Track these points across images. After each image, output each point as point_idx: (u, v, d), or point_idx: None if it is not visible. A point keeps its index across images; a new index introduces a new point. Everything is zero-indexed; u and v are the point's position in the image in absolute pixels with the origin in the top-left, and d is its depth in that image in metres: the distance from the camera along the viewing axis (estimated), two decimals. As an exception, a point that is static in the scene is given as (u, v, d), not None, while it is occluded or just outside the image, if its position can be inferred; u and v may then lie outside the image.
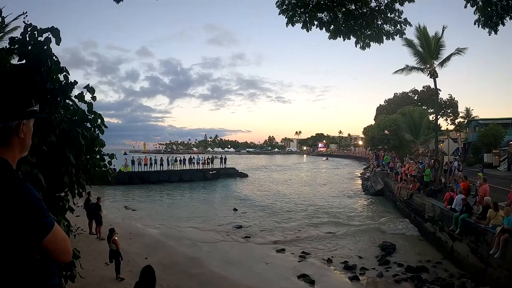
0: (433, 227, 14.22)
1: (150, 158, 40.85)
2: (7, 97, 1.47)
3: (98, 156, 4.07)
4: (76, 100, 3.76)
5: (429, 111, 48.05)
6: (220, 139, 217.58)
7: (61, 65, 3.52)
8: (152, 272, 5.26)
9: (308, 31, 6.46)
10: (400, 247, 13.70)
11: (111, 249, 9.31)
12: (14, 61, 3.55)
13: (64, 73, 3.55)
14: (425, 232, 14.91)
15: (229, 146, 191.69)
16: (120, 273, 9.27)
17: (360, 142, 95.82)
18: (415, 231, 15.67)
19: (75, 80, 3.63)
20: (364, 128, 45.73)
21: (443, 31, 22.28)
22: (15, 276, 1.33)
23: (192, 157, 44.99)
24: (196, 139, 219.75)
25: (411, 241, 14.63)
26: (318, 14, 6.40)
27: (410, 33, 22.28)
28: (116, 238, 9.48)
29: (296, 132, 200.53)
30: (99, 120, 3.92)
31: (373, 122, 50.27)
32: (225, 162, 45.47)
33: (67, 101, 3.65)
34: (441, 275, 10.75)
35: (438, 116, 30.95)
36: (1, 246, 1.29)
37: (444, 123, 56.52)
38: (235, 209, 21.83)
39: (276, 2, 6.49)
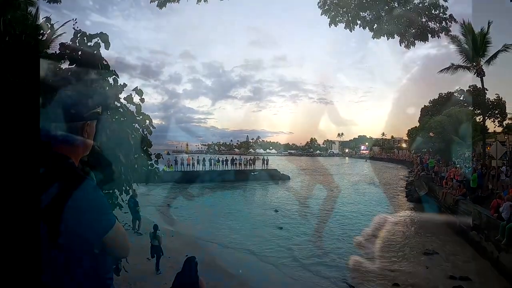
0: (478, 236, 13.34)
1: (193, 158, 41.77)
2: (73, 99, 1.54)
3: (145, 156, 4.20)
4: (125, 102, 3.89)
5: (475, 112, 45.26)
6: (262, 140, 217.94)
7: (111, 69, 3.66)
8: (194, 263, 5.32)
9: (351, 31, 6.30)
10: (443, 254, 13.08)
11: (153, 244, 9.65)
12: (64, 65, 3.74)
13: (114, 76, 3.69)
14: (471, 241, 13.97)
15: (270, 147, 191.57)
16: (159, 267, 9.61)
17: (404, 145, 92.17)
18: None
19: (124, 83, 3.77)
20: (409, 131, 43.90)
21: (488, 26, 21.15)
22: (75, 268, 1.39)
23: (234, 157, 45.51)
24: (238, 140, 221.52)
25: (457, 249, 13.82)
26: (361, 13, 6.27)
27: (455, 30, 21.19)
28: (159, 234, 9.80)
29: (338, 134, 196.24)
30: (147, 121, 4.04)
31: (417, 124, 48.15)
32: (267, 164, 45.26)
33: (116, 102, 3.79)
34: (484, 288, 10.15)
35: (485, 118, 29.22)
36: (64, 241, 1.35)
37: (492, 125, 52.66)
38: (276, 210, 21.74)
39: (318, 3, 6.41)
